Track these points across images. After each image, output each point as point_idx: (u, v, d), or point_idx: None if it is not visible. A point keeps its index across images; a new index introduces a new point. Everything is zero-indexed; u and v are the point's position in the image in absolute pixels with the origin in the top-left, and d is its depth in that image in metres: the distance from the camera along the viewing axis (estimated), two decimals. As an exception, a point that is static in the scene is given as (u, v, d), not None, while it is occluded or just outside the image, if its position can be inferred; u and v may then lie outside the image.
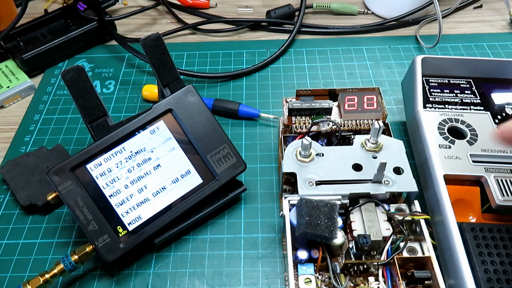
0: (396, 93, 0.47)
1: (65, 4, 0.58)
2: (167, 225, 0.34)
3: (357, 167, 0.33)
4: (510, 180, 0.31)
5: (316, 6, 0.58)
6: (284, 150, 0.34)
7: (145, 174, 0.34)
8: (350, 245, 0.31)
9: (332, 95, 0.38)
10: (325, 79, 0.49)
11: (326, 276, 0.30)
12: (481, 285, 0.27)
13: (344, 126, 0.36)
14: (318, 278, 0.30)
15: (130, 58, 0.53)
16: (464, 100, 0.37)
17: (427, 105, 0.37)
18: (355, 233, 0.30)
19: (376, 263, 0.30)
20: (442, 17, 0.51)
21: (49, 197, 0.32)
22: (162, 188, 0.34)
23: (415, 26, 0.56)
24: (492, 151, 0.33)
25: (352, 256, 0.31)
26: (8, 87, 0.48)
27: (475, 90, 0.38)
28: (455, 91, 0.38)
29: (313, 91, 0.38)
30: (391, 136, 0.35)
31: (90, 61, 0.53)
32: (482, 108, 0.37)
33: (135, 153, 0.34)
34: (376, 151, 0.34)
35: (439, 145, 0.34)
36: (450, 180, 0.32)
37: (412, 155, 0.38)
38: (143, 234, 0.33)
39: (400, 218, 0.31)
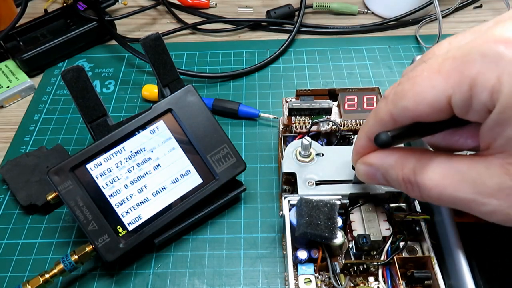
0: (396, 93, 0.47)
1: (65, 4, 0.58)
2: (167, 225, 0.34)
3: (357, 167, 0.33)
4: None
5: (316, 6, 0.58)
6: (284, 150, 0.34)
7: (145, 174, 0.34)
8: (350, 245, 0.31)
9: (332, 95, 0.38)
10: (325, 79, 0.49)
11: (326, 276, 0.30)
12: (481, 285, 0.27)
13: (344, 126, 0.36)
14: (318, 278, 0.30)
15: (130, 58, 0.53)
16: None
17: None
18: (355, 233, 0.30)
19: (376, 263, 0.30)
20: (442, 17, 0.51)
21: (49, 197, 0.32)
22: (162, 188, 0.34)
23: (415, 26, 0.56)
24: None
25: (352, 256, 0.31)
26: (8, 87, 0.48)
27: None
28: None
29: (313, 91, 0.38)
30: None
31: (90, 61, 0.53)
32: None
33: (135, 153, 0.34)
34: (376, 151, 0.34)
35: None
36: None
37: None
38: (143, 234, 0.33)
39: (400, 218, 0.31)
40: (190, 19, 0.58)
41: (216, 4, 0.60)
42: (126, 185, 0.33)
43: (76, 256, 0.31)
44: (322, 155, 0.33)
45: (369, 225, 0.30)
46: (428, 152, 0.24)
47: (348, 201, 0.32)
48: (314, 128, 0.36)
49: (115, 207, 0.33)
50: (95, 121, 0.34)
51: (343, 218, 0.31)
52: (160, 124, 0.35)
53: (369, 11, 0.58)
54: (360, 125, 0.36)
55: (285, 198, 0.31)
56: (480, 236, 0.29)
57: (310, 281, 0.29)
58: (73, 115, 0.47)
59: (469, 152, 0.32)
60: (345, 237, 0.31)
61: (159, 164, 0.34)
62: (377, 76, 0.50)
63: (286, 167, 0.33)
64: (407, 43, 0.53)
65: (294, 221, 0.30)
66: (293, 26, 0.54)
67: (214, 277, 0.34)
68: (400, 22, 0.56)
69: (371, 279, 0.30)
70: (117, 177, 0.33)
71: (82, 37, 0.52)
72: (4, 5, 0.54)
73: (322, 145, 0.35)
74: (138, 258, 0.35)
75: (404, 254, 0.31)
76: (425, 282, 0.29)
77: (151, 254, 0.35)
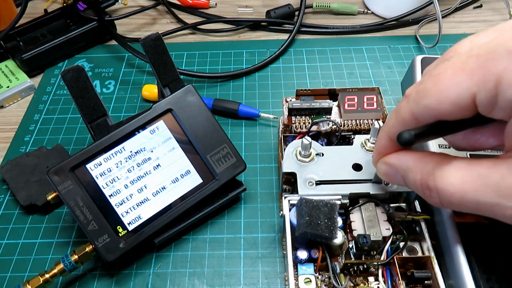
0: (396, 93, 0.47)
1: (65, 4, 0.58)
2: (167, 225, 0.34)
3: (357, 167, 0.33)
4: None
5: (316, 6, 0.58)
6: (284, 150, 0.34)
7: (145, 174, 0.34)
8: (350, 245, 0.31)
9: (332, 95, 0.38)
10: (325, 79, 0.49)
11: (326, 276, 0.30)
12: (481, 285, 0.27)
13: (344, 126, 0.36)
14: (318, 278, 0.30)
15: (130, 58, 0.53)
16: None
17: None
18: (355, 233, 0.30)
19: (376, 263, 0.30)
20: (442, 17, 0.51)
21: (49, 197, 0.32)
22: (162, 188, 0.34)
23: (415, 26, 0.56)
24: (491, 150, 0.33)
25: (352, 256, 0.31)
26: (8, 87, 0.48)
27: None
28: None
29: (313, 91, 0.38)
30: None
31: (90, 61, 0.53)
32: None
33: (135, 153, 0.34)
34: (376, 151, 0.34)
35: (439, 145, 0.33)
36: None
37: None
38: (143, 234, 0.33)
39: (400, 218, 0.31)
40: (190, 19, 0.58)
41: (216, 4, 0.60)
42: (126, 185, 0.33)
43: (76, 256, 0.31)
44: (322, 155, 0.33)
45: (369, 225, 0.30)
46: (447, 156, 0.24)
47: (348, 201, 0.32)
48: (314, 128, 0.36)
49: (115, 207, 0.33)
50: (95, 121, 0.34)
51: (343, 218, 0.31)
52: (160, 124, 0.35)
53: (369, 11, 0.58)
54: (360, 125, 0.36)
55: (285, 198, 0.31)
56: (480, 236, 0.29)
57: (310, 281, 0.29)
58: (73, 115, 0.47)
59: (468, 153, 0.32)
60: (345, 237, 0.31)
61: (159, 164, 0.34)
62: (377, 76, 0.50)
63: (286, 167, 0.33)
64: (407, 43, 0.53)
65: (294, 221, 0.30)
66: (293, 26, 0.54)
67: (214, 277, 0.34)
68: (400, 22, 0.56)
69: (371, 279, 0.30)
70: (117, 177, 0.33)
71: (82, 37, 0.52)
72: (4, 5, 0.54)
73: (322, 145, 0.35)
74: (138, 258, 0.35)
75: (404, 254, 0.31)
76: (425, 282, 0.29)
77: (151, 254, 0.35)
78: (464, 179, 0.22)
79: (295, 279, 0.29)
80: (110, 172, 0.33)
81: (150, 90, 0.47)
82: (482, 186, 0.21)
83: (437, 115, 0.22)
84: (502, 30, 0.21)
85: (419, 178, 0.24)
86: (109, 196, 0.33)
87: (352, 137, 0.35)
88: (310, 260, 0.30)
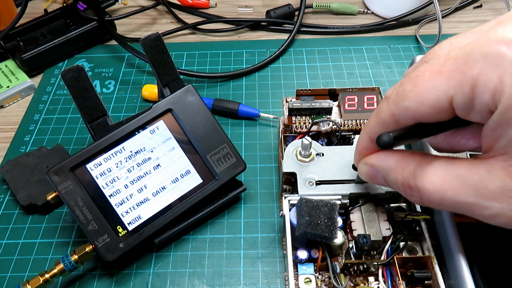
0: (396, 93, 0.47)
1: (65, 4, 0.58)
2: (167, 225, 0.34)
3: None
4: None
5: (316, 6, 0.58)
6: (284, 150, 0.34)
7: (145, 174, 0.34)
8: (350, 245, 0.31)
9: (332, 95, 0.38)
10: (325, 79, 0.49)
11: (326, 276, 0.30)
12: (481, 285, 0.27)
13: (344, 126, 0.36)
14: (318, 278, 0.30)
15: (130, 58, 0.53)
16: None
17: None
18: (355, 233, 0.30)
19: (376, 263, 0.30)
20: (442, 17, 0.51)
21: (49, 197, 0.32)
22: (162, 188, 0.34)
23: (415, 26, 0.56)
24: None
25: (352, 256, 0.31)
26: (8, 87, 0.48)
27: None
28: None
29: (313, 91, 0.38)
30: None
31: (90, 61, 0.53)
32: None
33: (135, 153, 0.34)
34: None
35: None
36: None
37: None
38: (143, 234, 0.33)
39: (400, 218, 0.31)
40: (190, 19, 0.58)
41: (216, 4, 0.60)
42: (126, 185, 0.33)
43: (76, 256, 0.31)
44: (322, 155, 0.33)
45: (369, 225, 0.30)
46: (428, 156, 0.24)
47: (348, 201, 0.32)
48: (314, 128, 0.36)
49: (115, 207, 0.33)
50: (95, 121, 0.34)
51: (343, 218, 0.31)
52: (160, 124, 0.35)
53: (369, 11, 0.58)
54: (360, 125, 0.36)
55: (285, 198, 0.31)
56: (480, 236, 0.29)
57: (310, 281, 0.29)
58: (73, 115, 0.47)
59: (468, 153, 0.32)
60: (345, 237, 0.31)
61: (159, 164, 0.34)
62: (377, 76, 0.49)
63: (286, 167, 0.33)
64: (407, 43, 0.53)
65: (294, 221, 0.30)
66: (293, 26, 0.54)
67: (214, 277, 0.34)
68: (400, 22, 0.56)
69: (371, 279, 0.30)
70: (117, 177, 0.33)
71: (82, 37, 0.52)
72: (4, 5, 0.54)
73: (322, 145, 0.35)
74: (138, 258, 0.35)
75: (404, 254, 0.31)
76: (425, 282, 0.29)
77: (151, 254, 0.35)
78: (444, 179, 0.22)
79: (295, 279, 0.29)
80: (110, 172, 0.33)
81: (150, 90, 0.47)
82: (461, 186, 0.22)
83: (417, 117, 0.22)
84: (480, 33, 0.21)
85: (400, 178, 0.24)
86: (109, 196, 0.33)
87: (352, 137, 0.35)
88: (310, 260, 0.30)
